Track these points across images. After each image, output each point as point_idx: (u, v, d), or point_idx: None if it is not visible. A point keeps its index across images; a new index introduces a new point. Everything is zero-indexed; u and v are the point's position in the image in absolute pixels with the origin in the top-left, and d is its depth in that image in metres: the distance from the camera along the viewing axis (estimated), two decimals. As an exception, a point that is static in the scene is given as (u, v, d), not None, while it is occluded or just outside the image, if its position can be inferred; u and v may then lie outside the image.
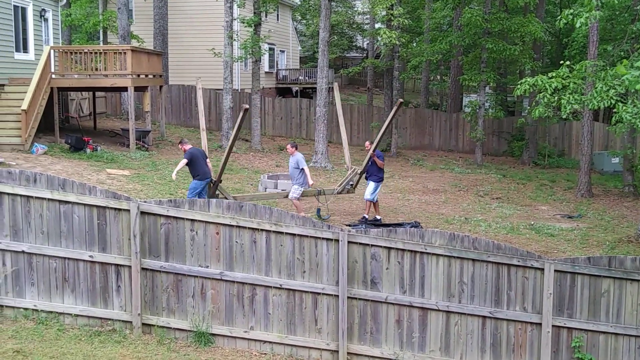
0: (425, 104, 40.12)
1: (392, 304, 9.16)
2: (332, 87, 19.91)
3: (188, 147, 14.97)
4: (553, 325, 9.12)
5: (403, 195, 20.61)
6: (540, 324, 9.14)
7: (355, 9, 54.72)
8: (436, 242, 9.04)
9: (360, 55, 57.32)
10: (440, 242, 9.04)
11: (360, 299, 9.19)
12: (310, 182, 15.86)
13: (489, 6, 28.08)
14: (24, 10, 23.29)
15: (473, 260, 9.05)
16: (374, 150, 16.43)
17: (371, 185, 16.59)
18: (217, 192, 15.15)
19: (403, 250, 9.06)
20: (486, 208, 19.61)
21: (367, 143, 17.29)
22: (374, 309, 9.20)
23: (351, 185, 16.90)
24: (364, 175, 16.95)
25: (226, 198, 14.82)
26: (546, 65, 35.29)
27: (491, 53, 28.09)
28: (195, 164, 14.77)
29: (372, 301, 9.19)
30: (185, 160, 14.74)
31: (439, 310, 9.14)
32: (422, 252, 9.05)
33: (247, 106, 13.53)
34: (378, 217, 16.65)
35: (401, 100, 16.29)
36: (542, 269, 9.07)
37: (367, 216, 16.64)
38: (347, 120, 33.65)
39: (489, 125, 32.19)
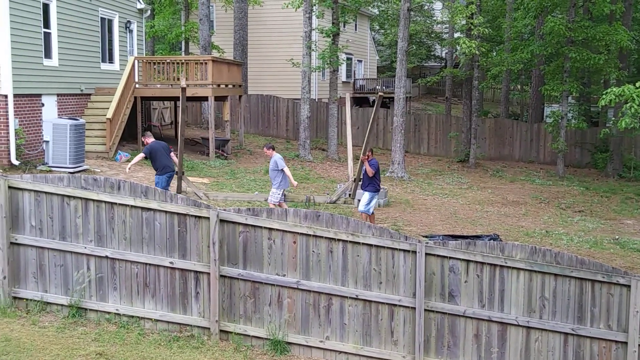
0: (505, 114, 39.44)
1: (471, 317, 8.99)
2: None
3: (150, 140, 14.87)
4: (640, 345, 8.77)
5: (481, 206, 20.27)
6: (626, 343, 8.79)
7: (434, 18, 54.32)
8: (517, 255, 8.83)
9: (439, 64, 56.85)
10: (521, 255, 8.82)
11: (437, 311, 9.05)
12: (295, 183, 15.15)
13: (572, 14, 27.41)
14: (110, 22, 24.08)
15: (555, 275, 8.79)
16: (364, 154, 15.04)
17: (365, 196, 15.52)
18: (186, 185, 14.74)
19: (482, 263, 8.88)
20: (568, 221, 19.08)
21: (368, 152, 15.68)
22: (452, 322, 9.05)
23: (348, 194, 16.15)
24: (359, 184, 15.70)
25: (196, 194, 14.60)
26: (633, 74, 34.13)
27: (574, 62, 27.39)
28: (155, 159, 14.62)
29: (449, 314, 9.03)
30: (142, 155, 14.76)
31: (518, 325, 8.91)
32: (502, 266, 8.85)
33: (382, 93, 13.43)
34: None
35: (381, 93, 15.13)
36: (629, 286, 8.73)
37: None
38: (424, 129, 33.44)
39: (572, 136, 31.36)
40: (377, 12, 51.64)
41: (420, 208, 19.20)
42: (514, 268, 8.83)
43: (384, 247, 9.02)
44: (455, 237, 15.80)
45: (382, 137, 33.61)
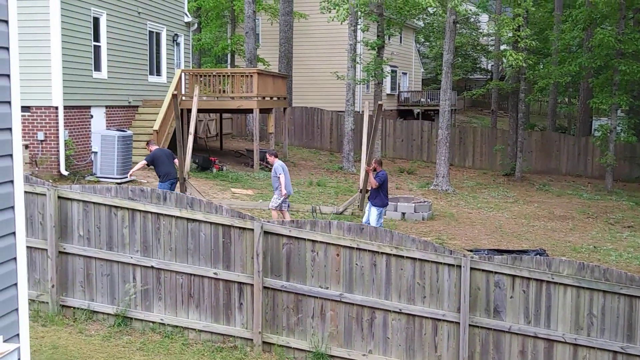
0: (552, 127, 38.89)
1: (516, 334, 8.84)
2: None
3: (153, 147, 15.26)
4: (692, 365, 8.52)
5: (527, 221, 19.98)
6: (677, 363, 8.56)
7: (480, 30, 53.95)
8: (564, 271, 8.67)
9: (485, 77, 56.42)
10: (568, 271, 8.66)
11: (482, 327, 8.93)
12: (284, 191, 14.98)
13: (622, 26, 26.95)
14: (158, 35, 24.47)
15: (604, 292, 8.60)
16: (368, 165, 14.46)
17: (374, 212, 14.81)
18: (188, 191, 15.07)
19: (529, 278, 8.74)
20: (617, 237, 18.68)
21: (373, 161, 15.20)
22: (497, 338, 8.92)
23: (357, 205, 15.72)
24: (367, 195, 15.38)
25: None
26: (684, 87, 33.36)
27: (624, 75, 26.90)
28: (157, 166, 14.96)
29: (494, 330, 8.91)
30: (144, 162, 15.14)
31: (565, 342, 8.74)
32: (548, 282, 8.70)
33: (381, 102, 13.43)
34: None
35: (380, 102, 14.72)
36: (681, 304, 8.50)
37: None
38: (469, 142, 33.16)
39: (621, 150, 30.74)
40: (423, 25, 51.53)
41: (465, 222, 19.01)
42: (561, 284, 8.67)
43: (428, 260, 8.95)
44: (500, 251, 15.59)
45: (427, 150, 33.43)
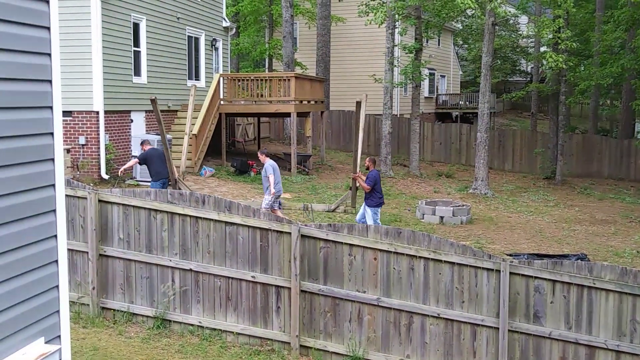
0: (594, 129, 38.29)
1: (557, 339, 8.71)
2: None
3: (147, 147, 15.54)
4: None
5: (568, 225, 19.68)
6: None
7: (520, 32, 53.36)
8: (606, 276, 8.51)
9: (524, 79, 55.79)
10: (610, 276, 8.50)
11: (521, 332, 8.82)
12: (273, 191, 14.86)
13: (665, 27, 26.43)
14: (197, 40, 24.71)
15: (647, 297, 8.43)
16: (354, 171, 14.17)
17: (368, 212, 14.68)
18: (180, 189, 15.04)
19: (569, 283, 8.61)
20: (661, 241, 18.28)
21: (367, 160, 15.31)
22: (537, 344, 8.79)
23: (349, 203, 15.64)
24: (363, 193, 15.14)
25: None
26: None
27: (668, 76, 26.37)
28: (149, 165, 15.26)
29: (534, 335, 8.79)
30: (136, 160, 15.52)
31: (607, 349, 8.58)
32: (590, 287, 8.55)
33: (359, 100, 13.44)
34: None
35: (358, 100, 14.31)
36: None
37: None
38: (508, 145, 32.79)
39: (665, 153, 30.13)
40: (461, 27, 51.18)
41: (504, 226, 18.81)
42: (603, 289, 8.52)
43: (466, 265, 8.87)
44: (540, 256, 15.39)
45: (465, 153, 33.16)
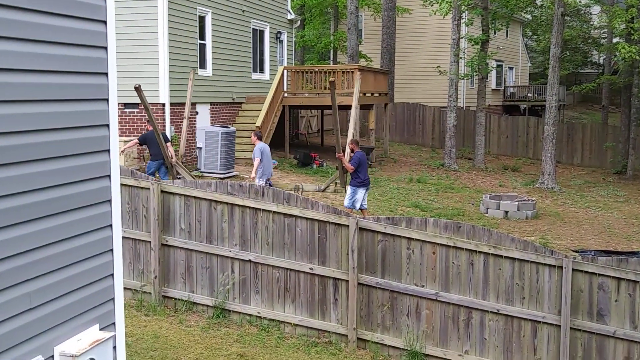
0: (669, 123, 36.93)
1: (621, 339, 8.46)
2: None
3: (150, 128, 15.86)
4: None
5: (639, 221, 19.08)
6: None
7: (592, 23, 51.91)
8: (674, 275, 8.22)
9: (595, 71, 54.27)
10: (679, 275, 8.21)
11: (584, 331, 8.59)
12: (253, 175, 14.81)
13: None
14: (261, 33, 24.89)
15: None
16: (339, 152, 15.20)
17: (348, 190, 14.88)
18: (178, 173, 15.62)
19: (635, 282, 8.34)
20: None
21: (349, 143, 15.77)
22: (600, 343, 8.56)
23: (336, 183, 15.85)
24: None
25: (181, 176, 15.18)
26: None
27: None
28: (149, 146, 15.77)
29: (597, 334, 8.55)
30: (136, 141, 16.15)
31: (675, 350, 8.30)
32: (657, 286, 8.28)
33: (332, 79, 14.30)
34: None
35: (332, 79, 15.26)
36: None
37: None
38: (577, 139, 31.97)
39: None
40: (530, 18, 50.10)
41: (571, 221, 18.36)
42: (670, 288, 8.23)
43: (527, 261, 8.70)
44: (608, 252, 14.96)
45: (532, 147, 32.47)
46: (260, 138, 15.47)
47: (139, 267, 10.12)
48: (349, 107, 24.60)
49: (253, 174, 14.97)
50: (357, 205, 14.66)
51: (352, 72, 23.30)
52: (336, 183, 16.28)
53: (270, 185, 15.47)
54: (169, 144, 16.11)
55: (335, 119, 16.06)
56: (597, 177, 28.23)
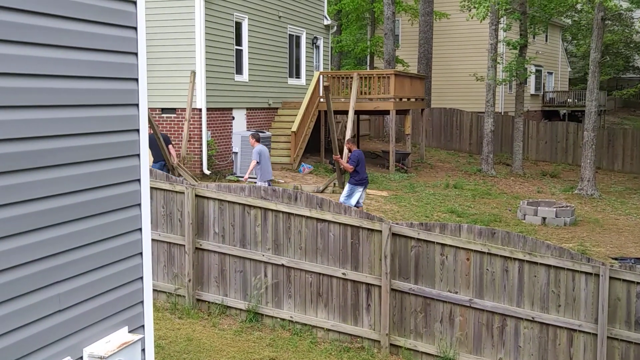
0: None
1: (660, 349, 8.28)
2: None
3: (151, 131, 15.84)
4: None
5: (681, 228, 18.66)
6: None
7: (634, 27, 51.04)
8: None
9: (637, 76, 53.38)
10: None
11: (622, 340, 8.43)
12: (246, 176, 14.77)
13: None
14: (297, 38, 24.97)
15: None
16: (335, 154, 15.95)
17: (346, 187, 15.09)
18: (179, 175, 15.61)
19: (674, 290, 8.17)
20: None
21: (346, 143, 16.62)
22: (638, 352, 8.38)
23: (334, 183, 16.13)
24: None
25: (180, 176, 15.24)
26: None
27: None
28: (152, 148, 15.38)
29: (636, 344, 8.38)
30: None
31: None
32: (697, 295, 8.08)
33: (327, 84, 14.86)
34: None
35: (326, 84, 15.70)
36: None
37: None
38: (618, 145, 31.41)
39: None
40: (570, 22, 49.45)
41: (611, 228, 18.04)
42: None
43: (563, 268, 8.57)
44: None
45: (572, 153, 32.00)
46: (258, 140, 15.41)
47: (173, 270, 10.21)
48: (386, 112, 24.54)
49: (246, 176, 15.25)
50: (353, 203, 14.74)
51: (388, 77, 23.25)
52: (335, 184, 16.81)
53: (270, 185, 15.69)
54: (170, 145, 16.31)
55: (330, 122, 16.87)
56: (639, 184, 27.70)
